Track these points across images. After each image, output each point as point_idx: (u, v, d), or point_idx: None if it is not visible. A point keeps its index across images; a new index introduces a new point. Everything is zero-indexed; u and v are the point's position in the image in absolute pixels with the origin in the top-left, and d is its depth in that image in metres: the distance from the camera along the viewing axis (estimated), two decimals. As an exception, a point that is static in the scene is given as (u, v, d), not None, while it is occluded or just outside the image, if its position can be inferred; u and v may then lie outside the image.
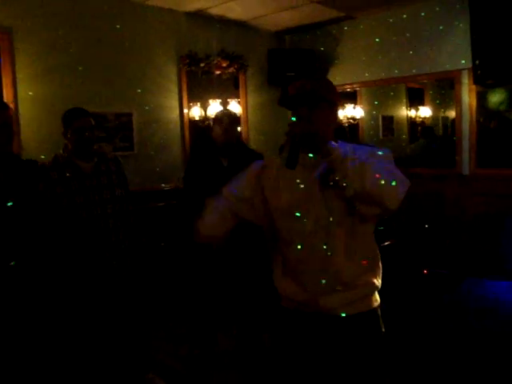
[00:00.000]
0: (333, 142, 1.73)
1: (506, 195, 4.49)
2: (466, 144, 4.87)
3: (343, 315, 1.82)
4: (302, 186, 1.79)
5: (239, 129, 5.39)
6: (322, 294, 1.82)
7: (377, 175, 1.56)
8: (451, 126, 5.19)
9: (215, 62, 5.18)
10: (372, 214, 1.72)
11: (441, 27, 4.83)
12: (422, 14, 4.93)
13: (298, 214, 1.81)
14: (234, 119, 3.40)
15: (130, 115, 4.58)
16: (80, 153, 2.89)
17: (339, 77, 5.66)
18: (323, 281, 1.79)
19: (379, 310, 1.93)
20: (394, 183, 1.58)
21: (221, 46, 5.24)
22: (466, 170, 4.85)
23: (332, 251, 1.79)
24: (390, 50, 5.19)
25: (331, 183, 1.65)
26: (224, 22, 5.29)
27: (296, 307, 1.90)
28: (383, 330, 1.93)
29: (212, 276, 3.28)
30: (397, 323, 1.93)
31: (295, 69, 5.54)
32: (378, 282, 1.90)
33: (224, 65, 5.27)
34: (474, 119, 4.82)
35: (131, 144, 4.60)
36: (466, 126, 4.87)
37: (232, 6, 4.88)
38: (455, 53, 4.78)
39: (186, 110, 5.05)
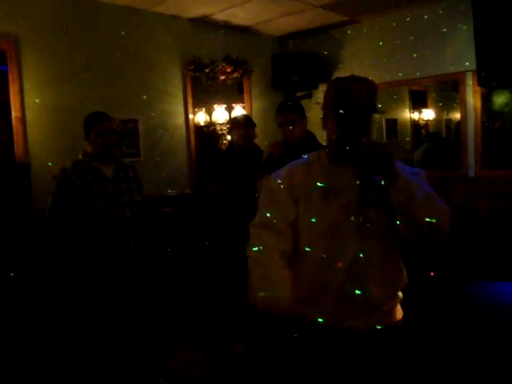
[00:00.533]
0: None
1: (510, 197, 4.49)
2: (471, 146, 4.87)
3: (364, 331, 1.69)
4: (342, 202, 1.65)
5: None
6: (348, 316, 1.67)
7: (438, 205, 1.53)
8: (455, 129, 5.19)
9: (220, 67, 5.20)
10: (426, 241, 1.63)
11: (444, 30, 4.84)
12: (426, 16, 4.95)
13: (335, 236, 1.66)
14: (252, 123, 3.46)
15: (135, 121, 4.61)
16: (101, 156, 2.93)
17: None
18: (352, 305, 1.66)
19: (402, 323, 1.80)
20: (445, 209, 1.56)
21: (225, 52, 5.26)
22: (471, 172, 4.85)
23: (367, 277, 1.66)
24: (393, 54, 5.20)
25: (379, 205, 1.55)
26: (228, 28, 5.31)
27: (315, 328, 1.70)
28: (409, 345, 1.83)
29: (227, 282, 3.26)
30: (405, 325, 1.87)
31: (299, 73, 5.56)
32: (401, 294, 1.80)
33: (228, 70, 5.29)
34: (479, 121, 4.82)
35: (137, 150, 4.61)
36: (471, 128, 4.87)
37: (235, 11, 4.91)
38: (459, 55, 4.79)
39: (191, 116, 5.07)
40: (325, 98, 1.72)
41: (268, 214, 1.70)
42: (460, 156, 4.96)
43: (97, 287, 2.84)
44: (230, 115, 5.32)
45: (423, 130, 6.33)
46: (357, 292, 1.63)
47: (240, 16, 5.09)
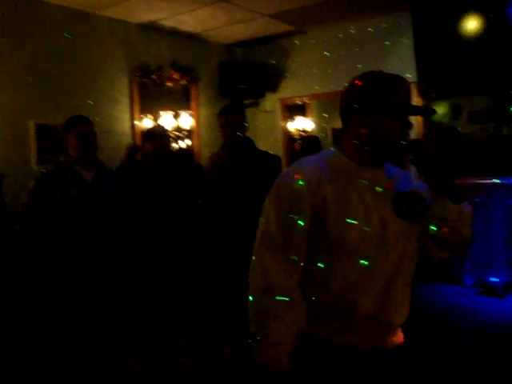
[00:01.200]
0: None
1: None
2: (413, 155, 5.02)
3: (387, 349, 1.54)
4: (374, 215, 1.44)
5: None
6: (375, 337, 1.51)
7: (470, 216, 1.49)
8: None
9: (167, 74, 5.17)
10: (445, 256, 1.57)
11: (387, 42, 5.00)
12: (370, 29, 5.10)
13: (364, 255, 1.42)
14: (165, 134, 3.42)
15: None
16: (82, 159, 2.87)
17: (290, 89, 5.76)
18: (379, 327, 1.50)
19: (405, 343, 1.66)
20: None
21: (173, 58, 5.23)
22: (413, 181, 4.99)
23: (392, 295, 1.49)
24: (339, 64, 5.32)
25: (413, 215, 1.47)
26: (176, 34, 5.28)
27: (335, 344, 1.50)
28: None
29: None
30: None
31: (246, 81, 5.60)
32: None
33: (176, 77, 5.26)
34: (421, 131, 4.99)
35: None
36: (413, 138, 5.02)
37: (184, 18, 4.90)
38: (401, 67, 4.94)
39: (137, 122, 5.00)
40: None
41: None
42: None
43: (58, 291, 2.78)
44: (177, 122, 5.29)
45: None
46: (390, 313, 1.50)
47: (188, 23, 5.08)
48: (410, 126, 1.49)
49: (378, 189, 1.46)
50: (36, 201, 2.79)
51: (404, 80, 1.52)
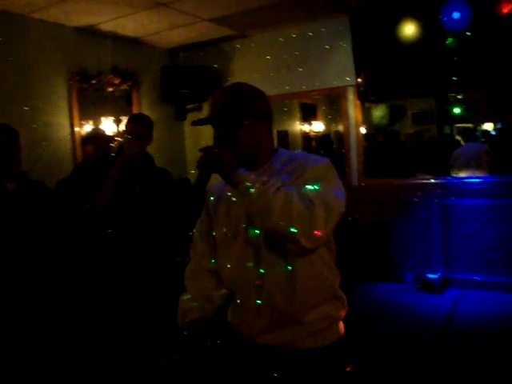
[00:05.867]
0: (243, 169, 1.49)
1: (390, 203, 4.80)
2: (353, 156, 5.14)
3: (297, 350, 1.62)
4: (223, 215, 1.72)
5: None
6: (259, 331, 1.64)
7: (286, 209, 1.38)
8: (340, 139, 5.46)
9: (107, 78, 5.07)
10: (292, 249, 1.54)
11: (327, 46, 5.09)
12: (310, 33, 5.17)
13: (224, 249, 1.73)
14: (105, 137, 3.42)
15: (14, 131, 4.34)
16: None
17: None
18: (260, 319, 1.62)
19: (339, 345, 1.69)
20: (308, 215, 1.39)
21: (113, 63, 5.14)
22: (354, 181, 5.11)
23: (267, 286, 1.60)
24: (280, 68, 5.38)
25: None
26: (116, 39, 5.19)
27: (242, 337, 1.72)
28: (348, 368, 1.70)
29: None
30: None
31: (189, 85, 5.57)
32: (336, 313, 1.69)
33: (116, 82, 5.17)
34: (360, 133, 5.11)
35: (19, 164, 4.35)
36: (353, 140, 5.14)
37: (123, 22, 4.82)
38: (341, 70, 5.06)
39: (77, 128, 4.88)
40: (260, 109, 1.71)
41: None
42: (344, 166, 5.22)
43: None
44: (118, 128, 5.20)
45: (313, 142, 6.61)
46: (257, 302, 1.61)
47: (128, 27, 5.00)
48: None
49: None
50: None
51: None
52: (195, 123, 1.67)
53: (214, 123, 1.63)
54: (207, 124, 1.65)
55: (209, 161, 1.51)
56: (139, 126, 3.22)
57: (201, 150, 1.55)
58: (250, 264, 1.61)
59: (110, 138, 3.85)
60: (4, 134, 2.84)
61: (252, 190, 1.42)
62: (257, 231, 1.57)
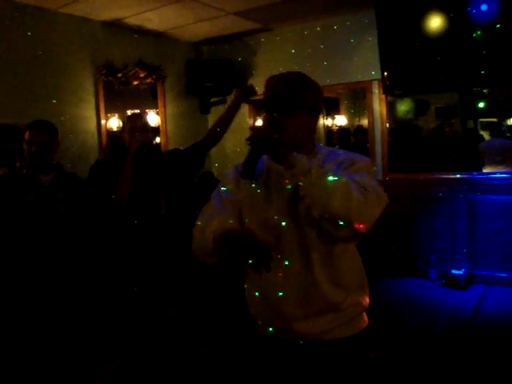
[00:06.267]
0: (296, 153, 1.45)
1: (414, 198, 4.76)
2: (378, 150, 5.12)
3: (324, 340, 1.62)
4: (263, 201, 1.62)
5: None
6: (298, 319, 1.61)
7: (346, 194, 1.37)
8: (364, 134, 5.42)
9: (133, 72, 5.12)
10: (341, 235, 1.51)
11: (352, 40, 5.07)
12: (335, 27, 5.15)
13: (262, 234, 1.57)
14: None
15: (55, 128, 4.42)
16: (33, 167, 2.86)
17: (257, 87, 5.73)
18: (301, 308, 1.60)
19: (367, 333, 1.71)
20: (364, 202, 1.38)
21: (138, 57, 5.19)
22: (379, 176, 5.09)
23: (309, 273, 1.59)
24: (305, 61, 5.36)
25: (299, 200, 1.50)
26: (141, 32, 5.24)
27: (273, 334, 1.69)
28: (372, 355, 1.70)
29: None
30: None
31: (213, 79, 5.59)
32: (364, 301, 1.70)
33: (142, 75, 5.22)
34: (385, 127, 5.08)
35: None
36: (378, 134, 5.11)
37: (149, 16, 4.86)
38: (366, 64, 5.03)
39: (103, 121, 4.95)
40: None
41: None
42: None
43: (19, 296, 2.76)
44: (144, 120, 5.25)
45: (336, 135, 6.59)
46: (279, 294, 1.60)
47: (154, 21, 5.04)
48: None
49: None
50: None
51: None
52: (248, 101, 1.70)
53: (268, 106, 1.62)
54: (262, 105, 1.66)
55: (263, 138, 1.45)
56: (138, 120, 3.23)
57: (251, 129, 1.49)
58: (296, 251, 1.60)
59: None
60: (47, 136, 2.89)
61: (312, 172, 1.39)
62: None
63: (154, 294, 3.13)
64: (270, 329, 1.68)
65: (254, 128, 1.51)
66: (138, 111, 3.76)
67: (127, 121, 3.27)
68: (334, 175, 1.39)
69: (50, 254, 2.83)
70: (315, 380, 1.64)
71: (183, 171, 3.31)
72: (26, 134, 2.85)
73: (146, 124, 3.24)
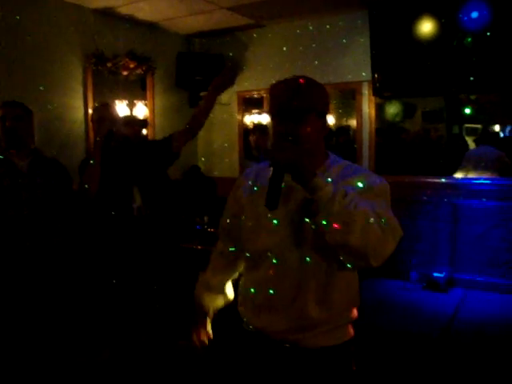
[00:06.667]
0: (320, 174, 1.41)
1: (398, 200, 4.79)
2: (365, 152, 5.15)
3: (305, 347, 1.61)
4: (269, 215, 1.57)
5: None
6: (278, 323, 1.61)
7: (366, 229, 1.33)
8: (353, 135, 5.45)
9: (122, 62, 5.07)
10: (351, 264, 1.48)
11: (344, 40, 5.08)
12: (327, 26, 5.16)
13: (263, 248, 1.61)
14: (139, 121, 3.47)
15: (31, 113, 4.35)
16: (8, 145, 2.80)
17: (247, 83, 5.76)
18: (283, 313, 1.60)
19: (350, 345, 1.69)
20: (382, 238, 1.36)
21: (129, 47, 5.14)
22: (365, 177, 5.10)
23: (302, 293, 1.57)
24: (296, 59, 5.36)
25: (312, 222, 1.44)
26: (133, 22, 5.19)
27: (254, 331, 1.70)
28: (354, 367, 1.69)
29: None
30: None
31: (204, 73, 5.57)
32: (351, 314, 1.69)
33: (132, 66, 5.17)
34: (373, 129, 5.10)
35: (32, 140, 4.36)
36: (366, 135, 5.14)
37: (141, 6, 4.81)
38: (357, 65, 5.04)
39: (91, 111, 4.89)
40: None
41: None
42: (355, 161, 5.21)
43: None
44: (131, 112, 5.22)
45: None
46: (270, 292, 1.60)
47: (146, 11, 4.99)
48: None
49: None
50: None
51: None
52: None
53: (278, 114, 1.58)
54: (274, 117, 1.60)
55: (286, 161, 1.40)
56: (105, 110, 3.23)
57: (274, 147, 1.45)
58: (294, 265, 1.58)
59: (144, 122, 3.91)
60: (20, 109, 2.85)
61: (335, 200, 1.35)
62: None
63: (131, 285, 3.11)
64: (251, 327, 1.70)
65: (277, 146, 1.45)
66: (105, 103, 3.74)
67: (94, 111, 3.25)
68: (356, 205, 1.35)
69: (26, 244, 2.78)
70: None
71: (155, 162, 3.29)
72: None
73: (114, 114, 3.22)
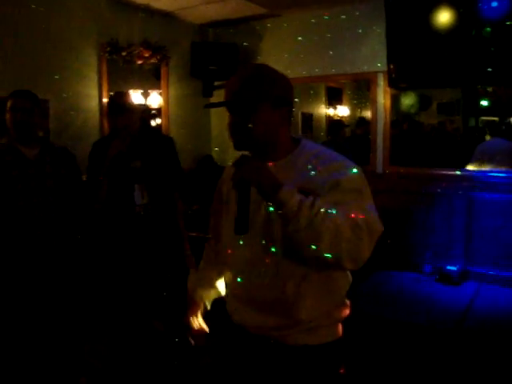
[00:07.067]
0: (286, 186, 1.35)
1: (413, 192, 4.76)
2: (380, 143, 5.11)
3: (286, 344, 1.56)
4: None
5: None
6: (255, 315, 1.58)
7: (336, 237, 1.29)
8: (367, 125, 5.41)
9: (137, 51, 5.07)
10: (329, 267, 1.46)
11: (359, 30, 5.03)
12: (343, 16, 5.11)
13: (240, 242, 1.56)
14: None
15: (46, 102, 4.37)
16: (18, 137, 2.75)
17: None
18: (267, 317, 1.56)
19: (337, 346, 1.62)
20: (355, 243, 1.32)
21: (144, 36, 5.13)
22: (379, 168, 5.08)
23: (279, 285, 1.52)
24: (311, 50, 5.33)
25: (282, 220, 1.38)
26: (148, 12, 5.18)
27: (237, 323, 1.67)
28: (341, 370, 1.62)
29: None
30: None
31: (218, 62, 5.56)
32: (339, 313, 1.62)
33: (146, 55, 5.17)
34: (388, 120, 5.06)
35: (47, 132, 4.40)
36: (380, 126, 5.10)
37: (157, -6, 4.81)
38: (372, 56, 4.99)
39: (105, 99, 4.91)
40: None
41: None
42: (369, 152, 5.18)
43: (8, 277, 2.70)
44: (145, 101, 5.23)
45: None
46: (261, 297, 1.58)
47: (161, 0, 4.98)
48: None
49: None
50: None
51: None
52: (208, 106, 1.60)
53: (229, 108, 1.53)
54: (221, 107, 1.56)
55: (248, 179, 1.37)
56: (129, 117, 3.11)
57: (235, 165, 1.41)
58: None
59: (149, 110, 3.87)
60: (30, 102, 2.80)
61: (299, 217, 1.31)
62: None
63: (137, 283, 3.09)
64: (234, 321, 1.68)
65: (237, 163, 1.41)
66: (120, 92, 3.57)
67: (115, 112, 3.04)
68: (324, 216, 1.31)
69: (36, 234, 2.76)
70: (268, 380, 1.59)
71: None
72: (8, 103, 2.74)
73: (134, 119, 3.08)
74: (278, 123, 1.53)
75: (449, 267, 4.33)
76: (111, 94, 4.60)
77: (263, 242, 1.52)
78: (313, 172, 1.47)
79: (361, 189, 1.46)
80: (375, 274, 4.40)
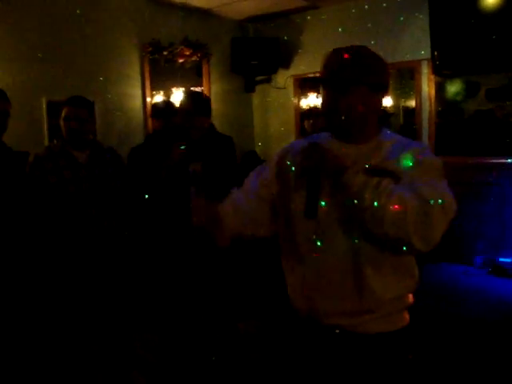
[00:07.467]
0: (350, 170, 1.38)
1: (462, 182, 4.62)
2: (425, 132, 4.99)
3: (358, 333, 1.54)
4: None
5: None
6: (327, 305, 1.55)
7: (401, 219, 1.29)
8: (411, 115, 5.29)
9: (178, 50, 5.14)
10: (403, 251, 1.41)
11: (401, 18, 4.91)
12: (384, 4, 5.01)
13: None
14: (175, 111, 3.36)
15: (92, 104, 4.47)
16: (71, 142, 2.84)
17: (303, 66, 5.70)
18: (336, 296, 1.53)
19: (406, 332, 1.60)
20: (425, 223, 1.30)
21: (184, 34, 5.19)
22: (425, 158, 4.95)
23: (355, 278, 1.50)
24: (352, 40, 5.15)
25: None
26: (187, 10, 5.23)
27: (305, 317, 1.63)
28: (410, 355, 1.61)
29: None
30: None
31: (259, 57, 5.56)
32: (408, 297, 1.60)
33: (187, 53, 5.22)
34: (433, 109, 4.93)
35: (93, 133, 4.50)
36: (425, 115, 4.98)
37: (195, -7, 4.84)
38: (415, 43, 4.88)
39: (148, 99, 4.99)
40: None
41: None
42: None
43: (61, 275, 2.77)
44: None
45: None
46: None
47: (200, -2, 5.03)
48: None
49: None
50: (31, 187, 2.75)
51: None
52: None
53: (325, 85, 1.54)
54: (323, 87, 1.56)
55: (316, 166, 1.42)
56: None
57: (303, 153, 1.46)
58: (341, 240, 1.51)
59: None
60: (85, 111, 2.87)
61: (365, 197, 1.33)
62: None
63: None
64: (301, 313, 1.63)
65: (305, 151, 1.45)
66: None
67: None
68: (389, 194, 1.32)
69: (90, 233, 2.83)
70: (344, 371, 1.57)
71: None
72: (63, 111, 2.81)
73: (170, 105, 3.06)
74: (372, 107, 1.54)
75: (501, 259, 4.20)
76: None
77: (338, 225, 1.50)
78: (396, 155, 1.48)
79: (441, 169, 1.49)
80: (425, 267, 4.30)
